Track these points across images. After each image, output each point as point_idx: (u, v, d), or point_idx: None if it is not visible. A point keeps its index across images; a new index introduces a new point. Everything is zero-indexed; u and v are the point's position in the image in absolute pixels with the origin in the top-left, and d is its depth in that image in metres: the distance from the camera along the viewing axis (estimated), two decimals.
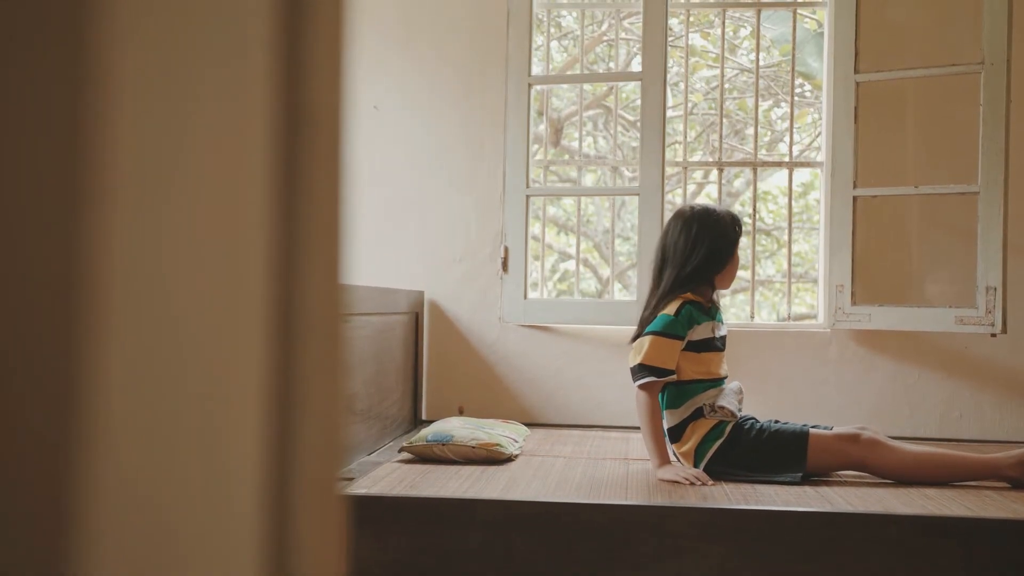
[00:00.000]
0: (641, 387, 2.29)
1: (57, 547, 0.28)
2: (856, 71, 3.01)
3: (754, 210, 3.53)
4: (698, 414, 2.31)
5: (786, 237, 3.70)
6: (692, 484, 2.13)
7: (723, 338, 2.44)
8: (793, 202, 3.59)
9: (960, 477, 2.17)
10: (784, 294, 6.25)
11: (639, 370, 2.30)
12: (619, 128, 5.63)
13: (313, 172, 0.40)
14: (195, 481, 0.34)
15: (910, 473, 2.17)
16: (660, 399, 2.33)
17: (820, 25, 5.27)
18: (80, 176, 0.28)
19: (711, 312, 2.42)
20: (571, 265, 6.20)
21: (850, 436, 2.21)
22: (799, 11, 3.84)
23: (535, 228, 3.51)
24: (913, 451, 2.20)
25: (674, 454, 2.33)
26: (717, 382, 2.36)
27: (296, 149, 0.40)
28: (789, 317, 3.52)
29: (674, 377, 2.30)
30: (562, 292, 6.17)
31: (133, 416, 0.30)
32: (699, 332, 2.36)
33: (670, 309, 2.33)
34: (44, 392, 0.28)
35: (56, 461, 0.28)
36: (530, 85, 3.16)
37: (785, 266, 5.41)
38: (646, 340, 2.32)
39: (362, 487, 2.04)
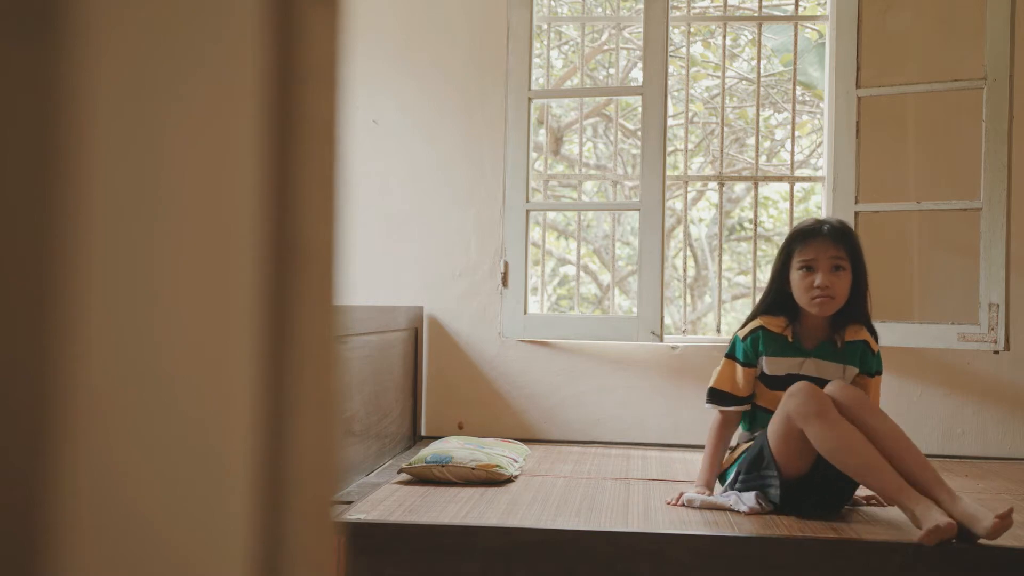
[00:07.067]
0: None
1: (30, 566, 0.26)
2: (858, 86, 2.99)
3: (755, 223, 3.51)
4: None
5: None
6: (682, 505, 2.13)
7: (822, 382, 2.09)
8: (794, 206, 3.58)
9: (879, 491, 1.98)
10: None
11: (707, 393, 2.26)
12: (619, 135, 5.62)
13: (306, 186, 0.39)
14: (182, 510, 0.33)
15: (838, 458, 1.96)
16: (745, 417, 2.24)
17: (821, 35, 5.25)
18: (53, 183, 0.27)
19: (797, 347, 2.17)
20: (571, 270, 6.18)
21: (789, 422, 2.00)
22: (800, 23, 3.82)
23: (535, 233, 3.49)
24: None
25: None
26: None
27: (288, 160, 0.38)
28: None
29: (746, 407, 2.22)
30: (562, 297, 6.15)
31: (114, 442, 0.29)
32: (773, 366, 2.17)
33: (743, 331, 2.25)
34: (15, 403, 0.26)
35: (28, 480, 0.26)
36: (530, 100, 3.14)
37: None
38: (722, 362, 2.26)
39: (360, 512, 2.03)
